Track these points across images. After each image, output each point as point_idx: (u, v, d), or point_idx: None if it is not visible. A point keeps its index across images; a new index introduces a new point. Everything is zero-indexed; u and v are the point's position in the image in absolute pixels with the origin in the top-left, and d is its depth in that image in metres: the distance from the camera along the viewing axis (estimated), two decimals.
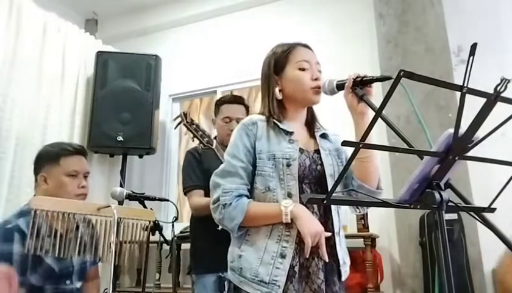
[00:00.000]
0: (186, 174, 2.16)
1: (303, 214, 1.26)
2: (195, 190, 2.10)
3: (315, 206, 1.33)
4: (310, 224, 1.24)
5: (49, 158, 1.85)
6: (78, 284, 1.85)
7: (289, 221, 1.25)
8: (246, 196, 1.33)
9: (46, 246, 1.53)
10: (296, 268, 1.26)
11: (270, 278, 1.24)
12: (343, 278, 1.35)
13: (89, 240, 1.71)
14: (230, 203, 1.29)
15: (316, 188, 1.35)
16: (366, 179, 1.37)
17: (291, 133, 1.38)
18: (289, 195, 1.30)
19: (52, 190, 1.78)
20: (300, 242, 1.26)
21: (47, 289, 1.73)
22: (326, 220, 1.33)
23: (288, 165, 1.31)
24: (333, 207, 1.36)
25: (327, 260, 1.27)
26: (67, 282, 1.80)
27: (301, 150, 1.37)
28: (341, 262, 1.34)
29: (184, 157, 2.24)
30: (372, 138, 1.30)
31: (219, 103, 2.26)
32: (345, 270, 1.37)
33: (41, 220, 1.68)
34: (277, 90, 1.43)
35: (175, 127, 1.95)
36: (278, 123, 1.39)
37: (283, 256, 1.25)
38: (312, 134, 1.48)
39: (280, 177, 1.31)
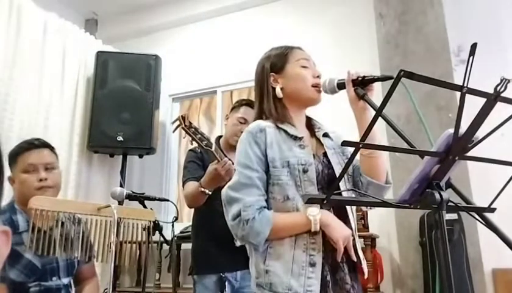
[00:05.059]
0: (185, 169, 2.16)
1: (331, 220, 1.24)
2: (190, 181, 2.08)
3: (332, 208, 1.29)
4: (340, 229, 1.23)
5: (9, 160, 1.85)
6: (65, 280, 1.82)
7: (318, 229, 1.22)
8: (266, 207, 1.27)
9: (24, 241, 1.53)
10: (328, 277, 1.23)
11: (304, 289, 1.17)
12: (365, 276, 1.35)
13: (77, 237, 1.69)
14: (254, 217, 1.21)
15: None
16: (374, 174, 1.34)
17: (301, 138, 1.34)
18: None
19: (18, 189, 1.80)
20: (326, 249, 1.24)
21: (31, 285, 1.70)
22: (344, 221, 1.30)
23: (305, 171, 1.27)
24: (347, 206, 1.34)
25: (355, 259, 1.28)
26: (54, 278, 1.77)
27: (313, 155, 1.33)
28: (361, 259, 1.33)
29: (186, 155, 2.24)
30: (377, 135, 1.30)
31: (241, 103, 2.22)
32: (365, 267, 1.36)
33: (20, 217, 1.72)
34: (278, 88, 1.40)
35: (174, 131, 1.95)
36: (286, 128, 1.35)
37: (312, 265, 1.21)
38: (313, 134, 1.45)
39: (296, 184, 1.27)
